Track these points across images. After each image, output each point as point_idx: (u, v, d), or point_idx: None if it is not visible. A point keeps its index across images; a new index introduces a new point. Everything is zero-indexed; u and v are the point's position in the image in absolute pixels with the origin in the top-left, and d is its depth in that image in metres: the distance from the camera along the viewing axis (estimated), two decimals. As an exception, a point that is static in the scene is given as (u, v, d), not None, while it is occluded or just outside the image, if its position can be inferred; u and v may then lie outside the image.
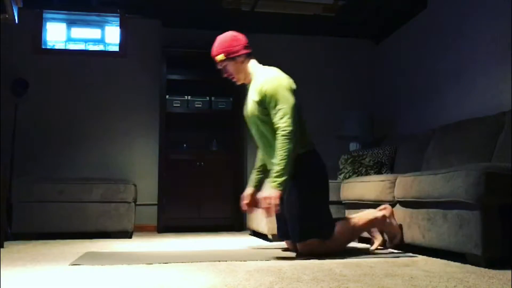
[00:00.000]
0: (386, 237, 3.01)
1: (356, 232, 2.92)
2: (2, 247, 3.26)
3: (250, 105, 2.85)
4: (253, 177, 3.07)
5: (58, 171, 4.94)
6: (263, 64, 2.95)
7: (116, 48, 5.42)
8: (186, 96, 5.21)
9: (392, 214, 2.99)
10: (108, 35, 5.49)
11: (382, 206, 3.04)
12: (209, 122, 5.40)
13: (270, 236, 3.83)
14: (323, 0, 4.89)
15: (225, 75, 2.93)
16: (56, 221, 4.16)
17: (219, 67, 2.91)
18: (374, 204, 3.37)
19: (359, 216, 2.93)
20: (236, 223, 5.10)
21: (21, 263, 2.52)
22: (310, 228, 2.70)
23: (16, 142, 4.66)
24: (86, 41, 5.45)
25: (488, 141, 3.17)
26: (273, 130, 2.72)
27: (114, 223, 4.26)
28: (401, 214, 3.01)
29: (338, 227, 2.79)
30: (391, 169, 4.26)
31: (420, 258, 2.63)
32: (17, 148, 4.68)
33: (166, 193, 5.00)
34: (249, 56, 2.89)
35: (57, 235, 4.13)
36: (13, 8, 2.78)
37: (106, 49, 5.49)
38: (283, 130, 2.63)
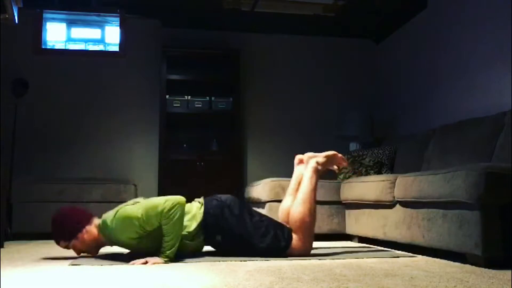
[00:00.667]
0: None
1: (313, 202, 2.79)
2: (2, 247, 3.26)
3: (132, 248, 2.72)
4: None
5: (58, 171, 4.94)
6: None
7: (116, 48, 5.42)
8: (186, 96, 5.21)
9: (314, 155, 2.95)
10: (108, 35, 5.49)
11: (304, 163, 2.97)
12: (209, 122, 5.40)
13: (270, 236, 3.82)
14: (323, 0, 4.90)
15: (80, 254, 2.75)
16: (56, 221, 4.16)
17: (72, 251, 2.72)
18: (374, 205, 3.37)
19: (302, 190, 2.83)
20: (236, 223, 5.09)
21: (21, 263, 2.52)
22: (274, 248, 2.66)
23: (16, 142, 4.66)
24: (86, 41, 5.44)
25: (488, 141, 3.17)
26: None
27: (114, 223, 4.26)
28: (401, 214, 3.01)
29: (296, 213, 2.73)
30: (391, 169, 4.26)
31: (420, 258, 2.63)
32: (17, 148, 4.68)
33: (166, 193, 4.97)
34: (89, 221, 2.70)
35: (57, 235, 4.12)
36: (13, 8, 2.78)
37: (106, 49, 5.48)
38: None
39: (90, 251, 2.76)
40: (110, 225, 2.59)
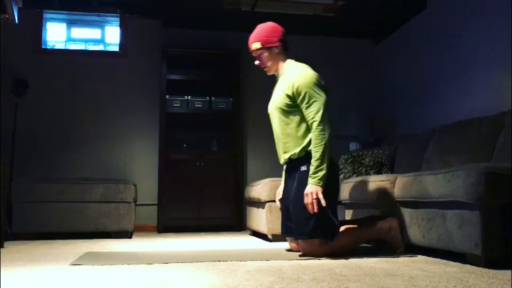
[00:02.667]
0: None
1: (359, 239, 2.88)
2: (2, 247, 3.27)
3: (278, 96, 2.87)
4: (284, 174, 3.06)
5: (58, 171, 4.94)
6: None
7: (116, 48, 5.42)
8: (186, 96, 5.21)
9: (398, 227, 2.89)
10: (108, 35, 5.49)
11: (389, 218, 2.94)
12: (209, 122, 5.40)
13: (270, 236, 3.83)
14: (323, 0, 4.90)
15: (257, 63, 2.98)
16: (56, 221, 4.16)
17: (254, 54, 2.96)
18: (374, 204, 3.37)
19: (365, 225, 2.89)
20: (236, 223, 5.10)
21: (21, 263, 2.52)
22: (315, 227, 2.67)
23: (16, 142, 4.66)
24: (86, 41, 5.45)
25: (488, 141, 3.17)
26: (296, 123, 2.78)
27: (114, 223, 4.26)
28: (401, 214, 3.01)
29: (342, 231, 2.76)
30: (391, 169, 4.26)
31: (420, 258, 2.63)
32: (17, 148, 4.68)
33: (166, 193, 5.00)
34: (284, 49, 2.95)
35: (57, 235, 4.13)
36: (13, 8, 2.78)
37: (106, 49, 5.49)
38: (319, 125, 2.68)
39: (268, 68, 2.97)
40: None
